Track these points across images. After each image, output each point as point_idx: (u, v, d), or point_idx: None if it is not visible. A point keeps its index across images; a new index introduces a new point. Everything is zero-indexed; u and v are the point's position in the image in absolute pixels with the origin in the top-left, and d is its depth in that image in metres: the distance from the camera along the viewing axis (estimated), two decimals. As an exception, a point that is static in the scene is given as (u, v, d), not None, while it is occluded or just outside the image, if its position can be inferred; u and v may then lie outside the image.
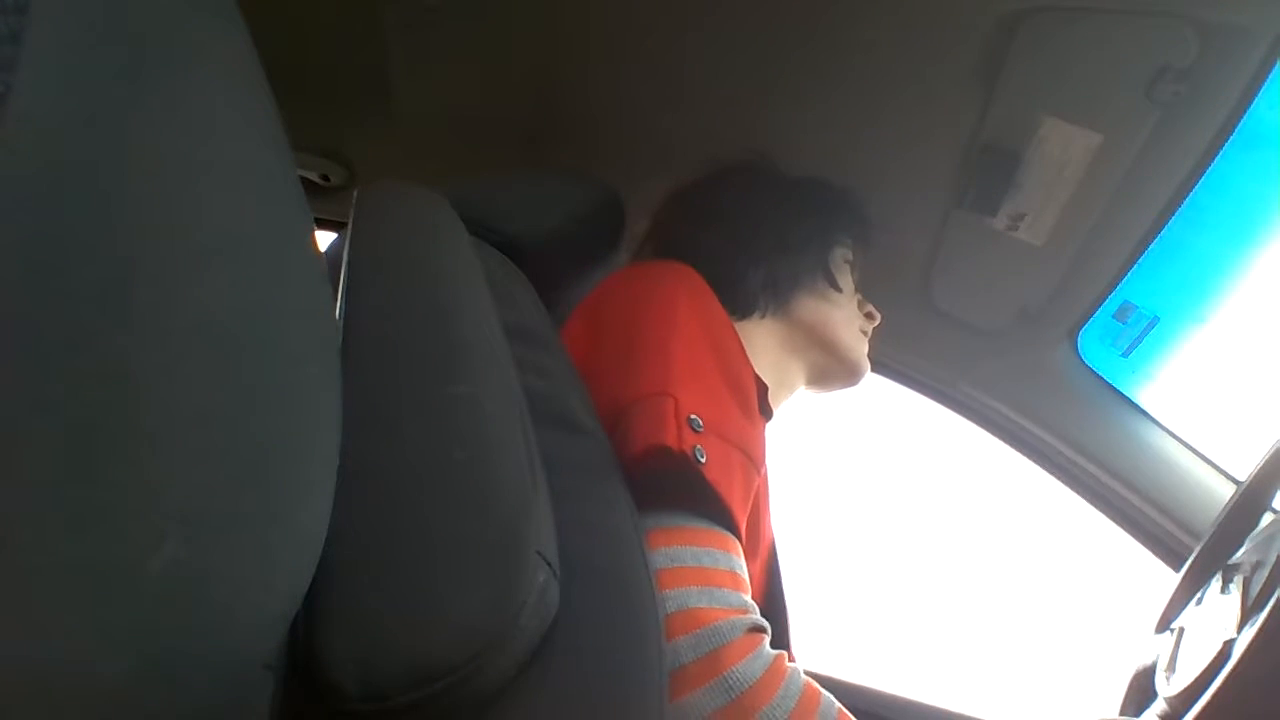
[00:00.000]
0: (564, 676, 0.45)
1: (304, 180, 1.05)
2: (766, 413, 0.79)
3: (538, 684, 0.43)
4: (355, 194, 0.62)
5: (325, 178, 1.23)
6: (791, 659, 0.81)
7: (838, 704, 0.63)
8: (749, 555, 0.70)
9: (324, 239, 0.53)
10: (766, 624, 0.62)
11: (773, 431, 0.89)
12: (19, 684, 0.22)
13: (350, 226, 0.58)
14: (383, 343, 0.49)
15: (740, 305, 0.87)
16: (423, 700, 0.36)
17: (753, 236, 0.90)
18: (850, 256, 0.97)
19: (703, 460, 0.62)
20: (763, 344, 0.89)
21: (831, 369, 0.94)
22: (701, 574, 0.61)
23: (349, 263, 0.54)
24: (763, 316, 0.90)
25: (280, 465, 0.31)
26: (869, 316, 0.98)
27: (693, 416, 0.63)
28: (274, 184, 0.32)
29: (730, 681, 0.57)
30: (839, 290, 0.93)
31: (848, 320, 0.94)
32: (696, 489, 0.63)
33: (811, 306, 0.91)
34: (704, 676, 0.57)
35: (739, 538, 0.66)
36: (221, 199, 0.28)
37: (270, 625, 0.31)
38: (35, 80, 0.21)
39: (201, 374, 0.26)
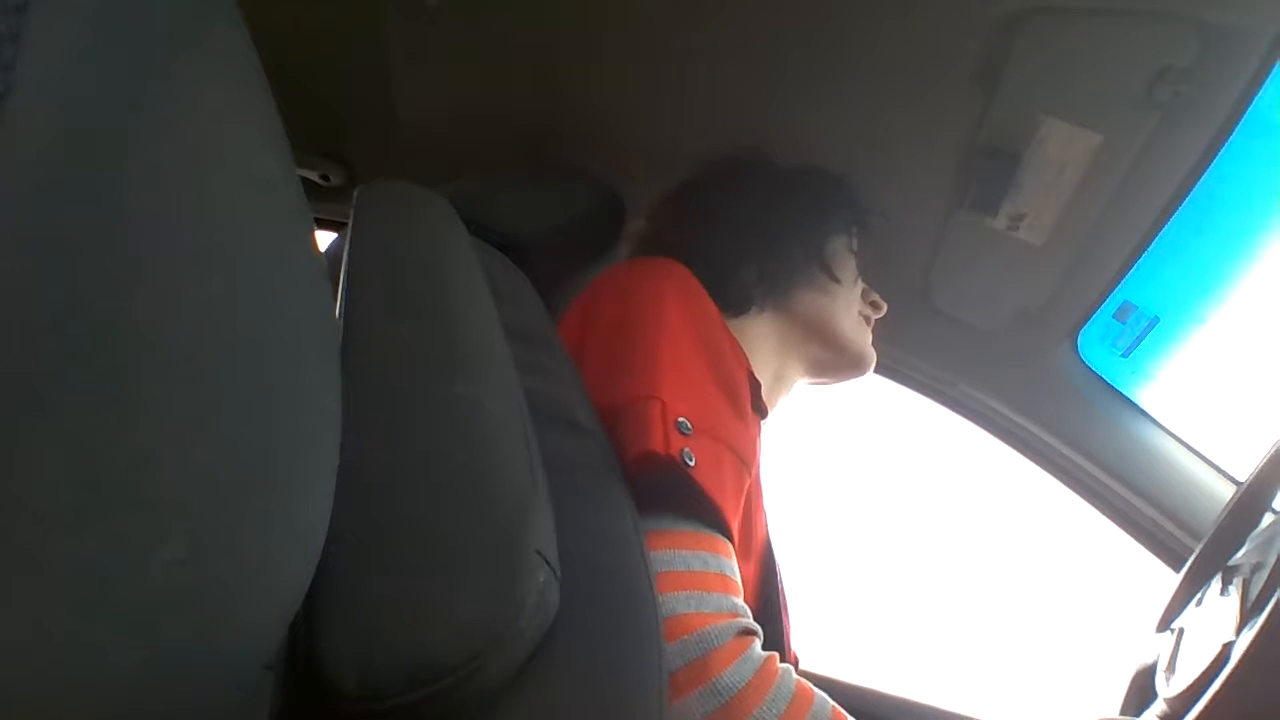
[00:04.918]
0: (564, 676, 0.45)
1: (304, 180, 1.04)
2: (760, 410, 0.79)
3: (538, 684, 0.43)
4: (355, 194, 0.62)
5: (325, 178, 1.23)
6: (792, 658, 0.81)
7: (832, 703, 0.62)
8: (742, 555, 0.70)
9: (324, 239, 0.54)
10: (757, 627, 0.62)
11: (770, 429, 0.89)
12: (19, 684, 0.22)
13: (350, 226, 0.58)
14: (383, 343, 0.49)
15: (734, 302, 0.87)
16: (423, 700, 0.36)
17: (743, 233, 0.89)
18: (855, 246, 0.96)
19: (691, 463, 0.62)
20: (761, 340, 0.88)
21: (834, 361, 0.93)
22: (691, 578, 0.61)
23: (349, 263, 0.54)
24: (761, 312, 0.90)
25: (280, 465, 0.31)
26: (874, 305, 0.97)
27: (681, 419, 0.63)
28: (274, 184, 0.32)
29: (719, 687, 0.57)
30: (837, 281, 0.92)
31: (848, 309, 0.93)
32: (687, 492, 0.63)
33: (809, 300, 0.91)
34: (693, 683, 0.57)
35: (731, 539, 0.66)
36: (221, 199, 0.28)
37: (270, 625, 0.31)
38: (35, 80, 0.21)
39: (201, 374, 0.26)
